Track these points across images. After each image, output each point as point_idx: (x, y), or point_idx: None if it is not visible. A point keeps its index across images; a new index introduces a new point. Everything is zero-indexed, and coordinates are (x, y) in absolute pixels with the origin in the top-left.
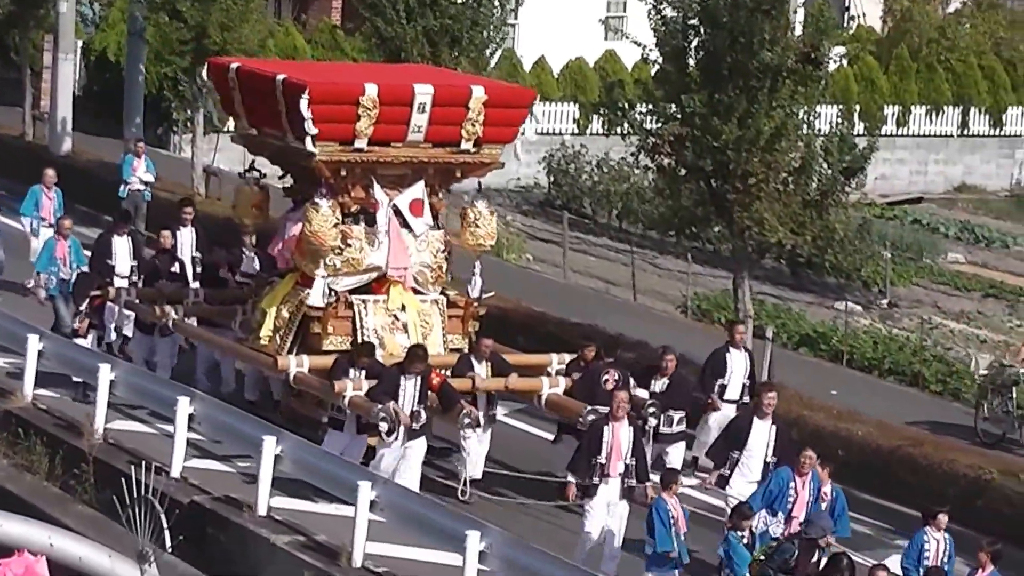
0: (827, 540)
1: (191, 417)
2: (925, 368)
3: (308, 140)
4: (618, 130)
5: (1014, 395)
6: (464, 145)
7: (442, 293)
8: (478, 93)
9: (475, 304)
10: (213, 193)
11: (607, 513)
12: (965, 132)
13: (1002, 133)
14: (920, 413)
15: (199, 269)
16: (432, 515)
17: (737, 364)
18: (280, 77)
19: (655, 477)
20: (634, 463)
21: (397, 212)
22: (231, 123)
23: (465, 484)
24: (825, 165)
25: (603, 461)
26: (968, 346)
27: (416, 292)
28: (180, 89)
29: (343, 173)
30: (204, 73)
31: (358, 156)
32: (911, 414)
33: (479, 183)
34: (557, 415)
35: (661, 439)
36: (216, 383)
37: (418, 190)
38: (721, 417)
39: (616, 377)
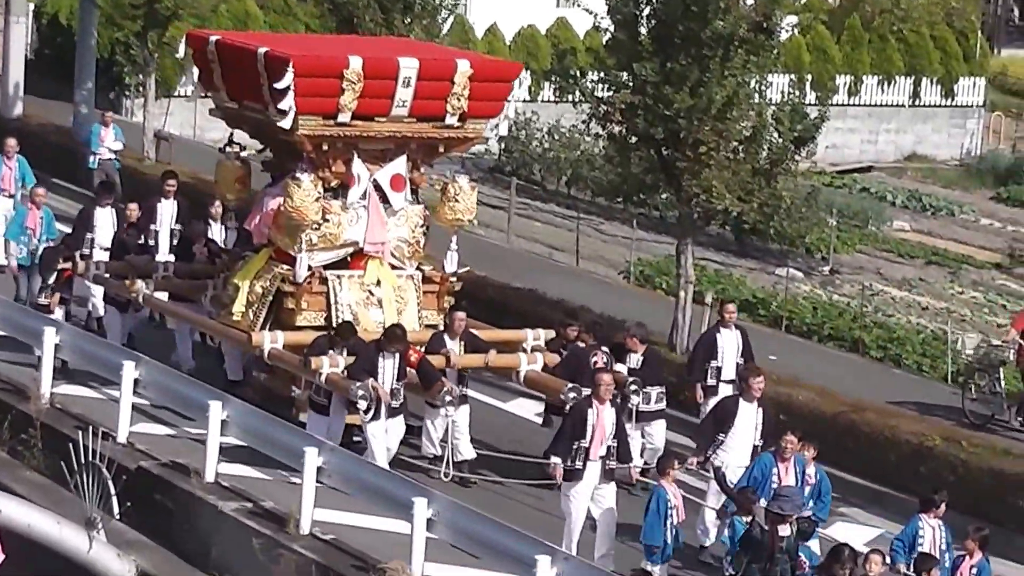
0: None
1: (136, 382)
2: (865, 334)
3: (290, 114)
4: (569, 97)
5: (1001, 375)
6: (449, 120)
7: (418, 268)
8: (463, 67)
9: (450, 279)
10: (164, 157)
11: (590, 497)
12: (916, 102)
13: (953, 103)
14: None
15: (175, 242)
16: (380, 482)
17: (729, 344)
18: (262, 50)
19: (639, 460)
20: (616, 445)
21: (377, 187)
22: (180, 87)
23: (448, 465)
24: (776, 134)
25: (587, 444)
26: (909, 312)
27: (393, 267)
28: (132, 53)
29: (325, 147)
30: (183, 45)
31: (341, 130)
32: (863, 385)
33: (462, 158)
34: (536, 392)
35: (641, 417)
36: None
37: (400, 165)
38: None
39: (604, 359)
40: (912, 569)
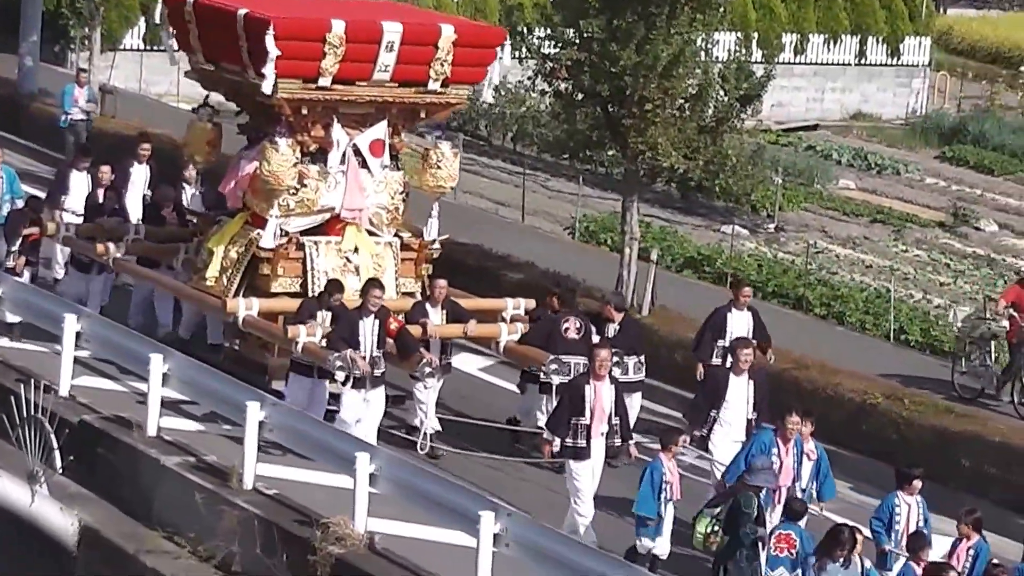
0: (820, 506)
1: (78, 335)
2: (809, 291)
3: (270, 78)
4: (516, 54)
5: (992, 349)
6: (431, 85)
7: (396, 235)
8: (447, 32)
9: (429, 247)
10: (108, 111)
11: (596, 476)
12: (862, 61)
13: (899, 62)
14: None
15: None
16: (322, 436)
17: (738, 325)
18: (242, 12)
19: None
20: (618, 422)
21: (357, 152)
22: (128, 40)
23: (425, 437)
24: (722, 92)
25: (586, 422)
26: (853, 270)
27: (371, 234)
28: (78, 6)
29: (304, 112)
30: (160, 5)
31: (321, 94)
32: (807, 342)
33: (441, 124)
34: (517, 363)
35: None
36: (151, 324)
37: (380, 130)
38: None
39: (577, 325)
40: (905, 549)
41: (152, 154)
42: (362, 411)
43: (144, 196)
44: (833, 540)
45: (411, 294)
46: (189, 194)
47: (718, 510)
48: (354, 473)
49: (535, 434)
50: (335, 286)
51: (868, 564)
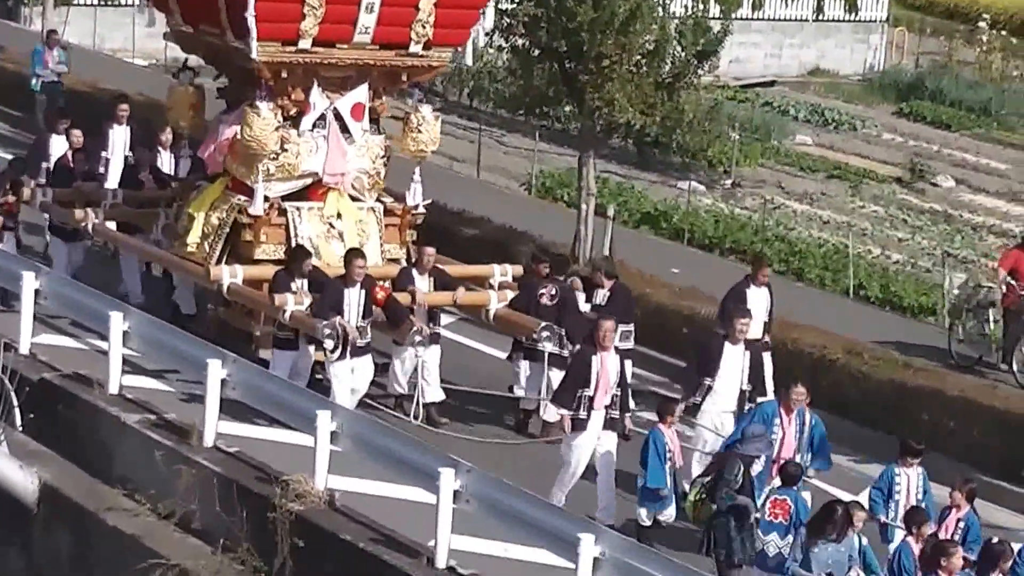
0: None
1: (37, 292)
2: (767, 248)
3: (250, 40)
4: None
5: (990, 317)
6: (413, 48)
7: (378, 200)
8: None
9: (412, 212)
10: None
11: (593, 447)
12: (820, 17)
13: (856, 18)
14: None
15: (130, 163)
16: (283, 394)
17: (757, 302)
18: None
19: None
20: (619, 393)
21: (337, 116)
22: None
23: (418, 407)
24: (679, 48)
25: (591, 393)
26: (810, 226)
27: (353, 199)
28: None
29: (284, 75)
30: None
31: (301, 57)
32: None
33: (422, 86)
34: (506, 331)
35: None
36: (150, 297)
37: (361, 93)
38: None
39: (552, 292)
40: (903, 522)
41: (131, 114)
42: (350, 381)
43: (126, 158)
44: (825, 516)
45: (396, 260)
46: (165, 158)
47: (708, 479)
48: (315, 431)
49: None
50: (302, 252)
51: (864, 541)
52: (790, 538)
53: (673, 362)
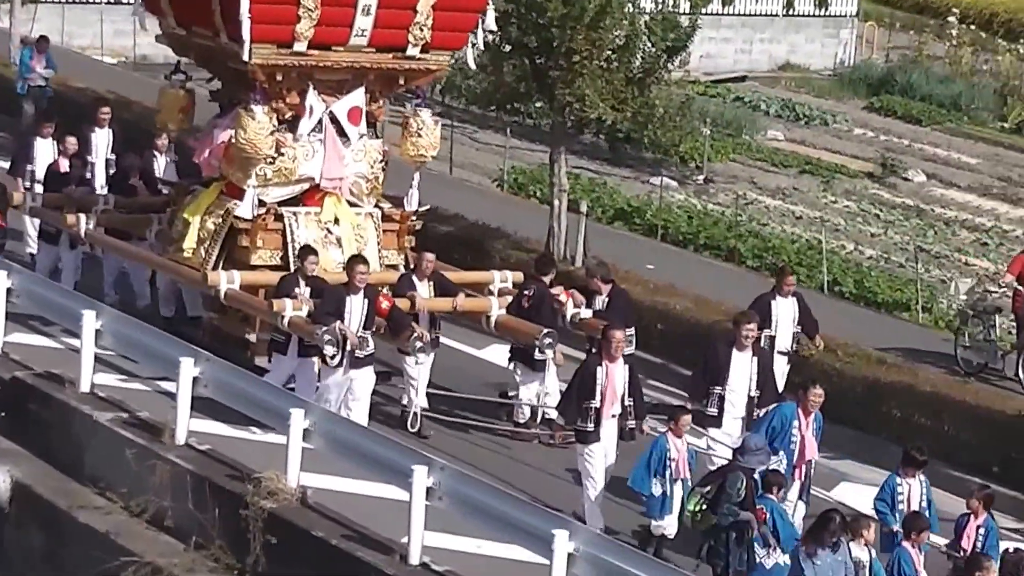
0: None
1: (10, 291)
2: (740, 243)
3: (245, 43)
4: None
5: (996, 323)
6: (411, 51)
7: (376, 206)
8: None
9: (411, 218)
10: None
11: (607, 456)
12: (790, 12)
13: (827, 13)
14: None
15: (111, 172)
16: (255, 392)
17: (784, 313)
18: None
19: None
20: (631, 403)
21: (334, 120)
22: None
23: (414, 416)
24: (649, 43)
25: (596, 405)
26: (783, 221)
27: (350, 204)
28: None
29: (279, 78)
30: None
31: (296, 60)
32: (739, 294)
33: (422, 90)
34: (508, 338)
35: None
36: (129, 296)
37: (358, 97)
38: (776, 371)
39: (529, 295)
40: (901, 528)
41: (113, 117)
42: (341, 391)
43: (108, 160)
44: (822, 526)
45: (394, 266)
46: (161, 163)
47: (707, 488)
48: (287, 428)
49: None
50: (308, 250)
51: (873, 554)
52: (772, 549)
53: (648, 358)
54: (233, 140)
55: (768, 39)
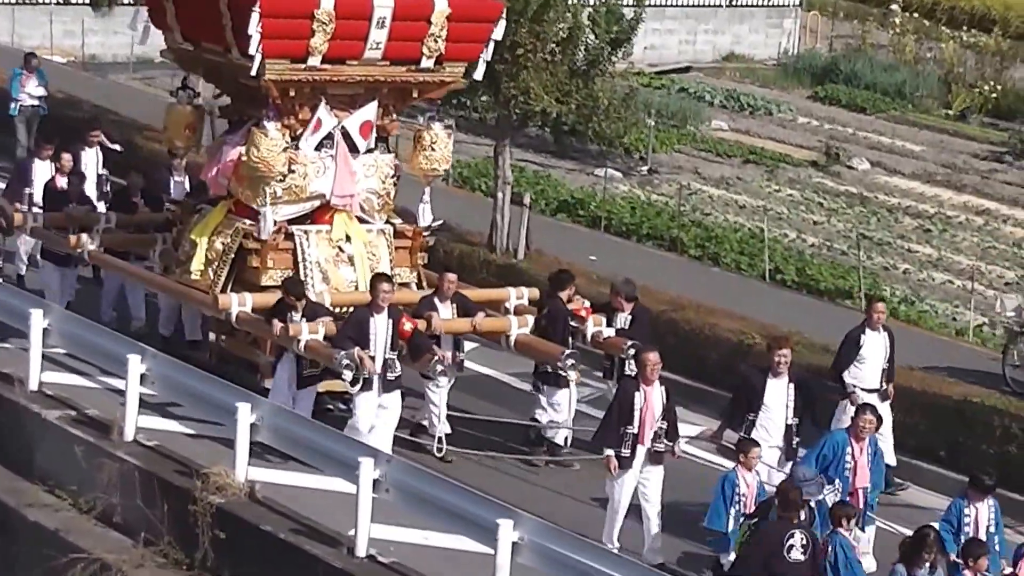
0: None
1: None
2: (684, 233)
3: (257, 58)
4: None
5: None
6: (425, 63)
7: (387, 222)
8: (441, 7)
9: (424, 234)
10: None
11: (635, 482)
12: (734, 2)
13: (770, 3)
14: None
15: (105, 190)
16: (202, 388)
17: (874, 348)
18: None
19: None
20: (665, 426)
21: (345, 135)
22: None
23: (440, 441)
24: (592, 35)
25: (635, 431)
26: (727, 211)
27: (361, 221)
28: None
29: (291, 93)
30: None
31: (309, 75)
32: (682, 283)
33: (434, 104)
34: (528, 357)
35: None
36: (124, 318)
37: (370, 111)
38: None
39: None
40: (959, 555)
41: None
42: (375, 417)
43: (101, 177)
44: (918, 543)
45: (407, 284)
46: (176, 183)
47: (755, 520)
48: (235, 423)
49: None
50: (296, 285)
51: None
52: None
53: (592, 350)
54: (245, 158)
55: (712, 30)
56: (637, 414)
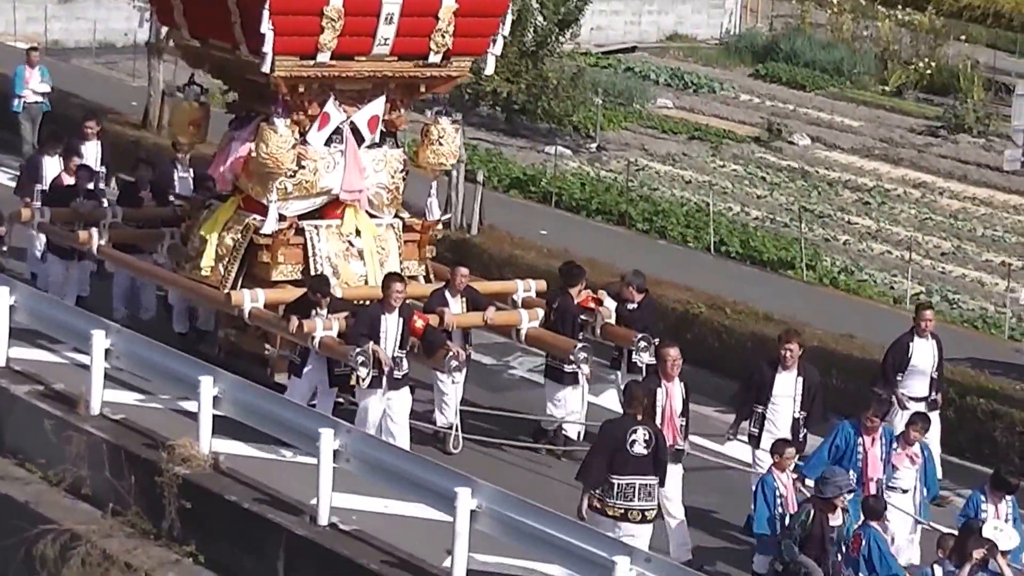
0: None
1: None
2: (632, 208)
3: (267, 55)
4: None
5: None
6: (432, 58)
7: (396, 216)
8: (448, 2)
9: (432, 228)
10: None
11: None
12: None
13: None
14: (655, 259)
15: (101, 185)
16: (167, 362)
17: (922, 355)
18: None
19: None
20: (683, 423)
21: (354, 130)
22: None
23: (455, 431)
24: (541, 17)
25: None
26: (673, 186)
27: (370, 215)
28: None
29: (300, 89)
30: None
31: (318, 71)
32: (631, 256)
33: (443, 98)
34: (539, 350)
35: (635, 371)
36: (135, 311)
37: (378, 106)
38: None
39: (555, 305)
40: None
41: (101, 130)
42: (380, 413)
43: (97, 173)
44: (967, 534)
45: (415, 278)
46: (180, 177)
47: (788, 522)
48: (199, 396)
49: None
50: (322, 283)
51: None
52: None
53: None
54: (254, 154)
55: (656, 11)
56: (660, 412)
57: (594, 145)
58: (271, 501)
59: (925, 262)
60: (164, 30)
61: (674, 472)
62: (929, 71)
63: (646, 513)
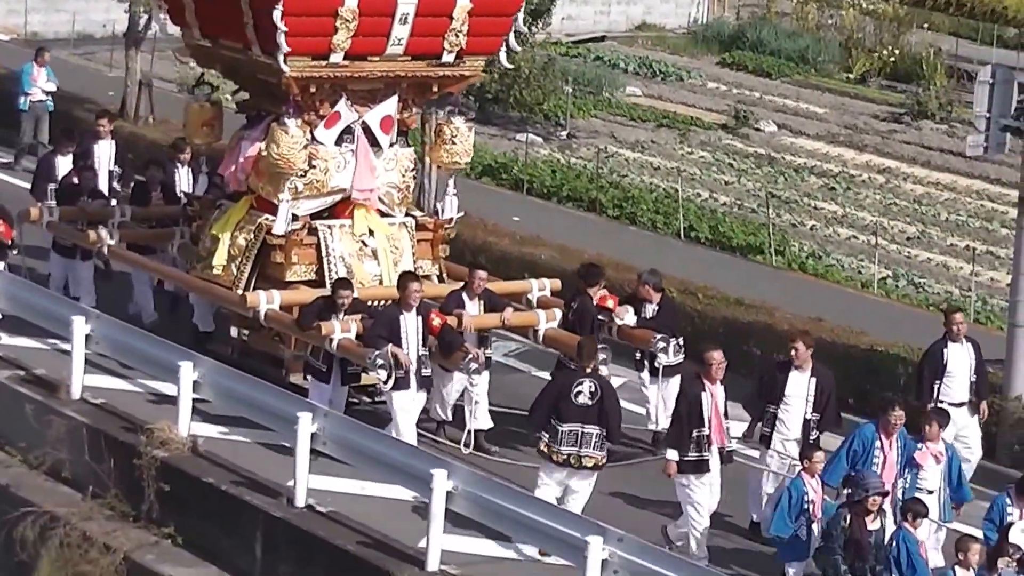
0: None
1: None
2: (602, 194)
3: (280, 55)
4: None
5: None
6: (446, 58)
7: (407, 215)
8: (463, 2)
9: (446, 226)
10: None
11: (712, 490)
12: None
13: None
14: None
15: (114, 184)
16: (145, 347)
17: (958, 361)
18: None
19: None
20: (728, 426)
21: (366, 130)
22: None
23: (469, 435)
24: None
25: (707, 432)
26: (642, 173)
27: (382, 214)
28: None
29: (312, 90)
30: None
31: (331, 72)
32: (602, 242)
33: (455, 97)
34: (557, 351)
35: (664, 372)
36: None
37: (390, 106)
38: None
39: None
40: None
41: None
42: (414, 414)
43: (110, 172)
44: (1004, 535)
45: (428, 277)
46: (183, 175)
47: (845, 506)
48: (178, 380)
49: None
50: (344, 285)
51: None
52: None
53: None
54: (265, 154)
55: (625, 1)
56: (707, 416)
57: (564, 133)
58: (249, 484)
59: (891, 247)
60: (143, 22)
61: (716, 471)
62: (892, 59)
63: (586, 460)
